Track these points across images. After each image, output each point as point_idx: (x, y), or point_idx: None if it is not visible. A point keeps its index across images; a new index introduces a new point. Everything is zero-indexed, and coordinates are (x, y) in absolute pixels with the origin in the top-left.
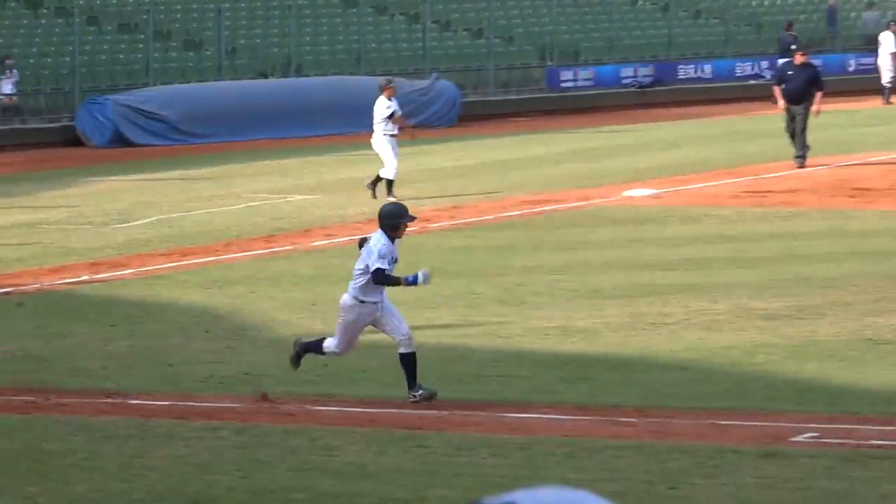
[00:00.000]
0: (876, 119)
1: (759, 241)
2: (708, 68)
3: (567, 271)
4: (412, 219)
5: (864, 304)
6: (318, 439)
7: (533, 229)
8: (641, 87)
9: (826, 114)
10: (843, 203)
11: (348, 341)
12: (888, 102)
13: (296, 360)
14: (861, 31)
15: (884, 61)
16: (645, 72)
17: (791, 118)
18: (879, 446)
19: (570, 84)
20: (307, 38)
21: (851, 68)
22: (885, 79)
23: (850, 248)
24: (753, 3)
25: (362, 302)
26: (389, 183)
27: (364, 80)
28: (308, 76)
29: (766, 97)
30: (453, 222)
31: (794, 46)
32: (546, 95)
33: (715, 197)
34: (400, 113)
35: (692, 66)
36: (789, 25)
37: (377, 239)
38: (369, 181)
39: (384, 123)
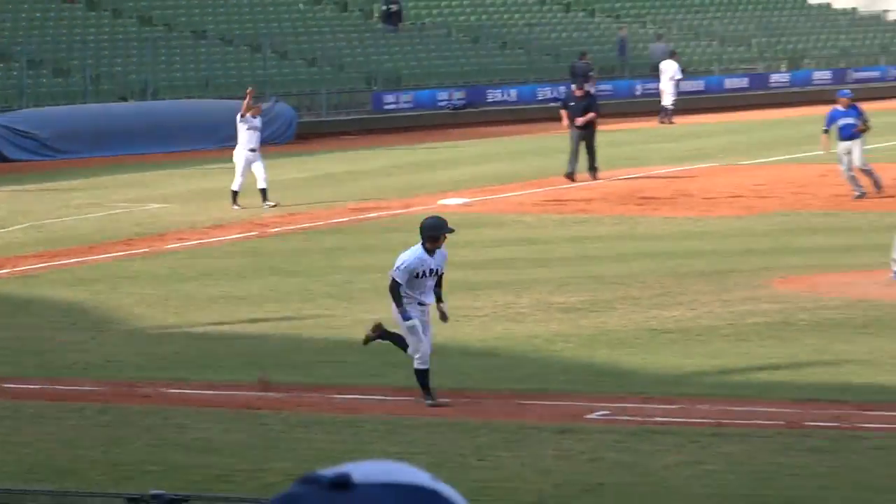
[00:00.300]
0: (659, 137)
1: (558, 243)
2: (513, 92)
3: (389, 270)
4: (451, 230)
5: (649, 299)
6: (171, 418)
7: (360, 234)
8: (455, 108)
9: (616, 132)
10: (631, 210)
11: (420, 342)
12: (670, 122)
13: (431, 402)
14: (648, 59)
15: (665, 86)
16: (458, 95)
17: (581, 138)
18: (662, 423)
19: (392, 106)
20: (162, 66)
21: (638, 92)
22: (666, 101)
23: (638, 250)
24: (553, 36)
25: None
26: (234, 194)
27: (212, 103)
28: (163, 99)
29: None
30: (290, 227)
31: (591, 73)
32: (372, 116)
33: (519, 205)
34: (258, 130)
35: (499, 90)
36: (583, 55)
37: (409, 250)
38: (262, 199)
39: (245, 137)
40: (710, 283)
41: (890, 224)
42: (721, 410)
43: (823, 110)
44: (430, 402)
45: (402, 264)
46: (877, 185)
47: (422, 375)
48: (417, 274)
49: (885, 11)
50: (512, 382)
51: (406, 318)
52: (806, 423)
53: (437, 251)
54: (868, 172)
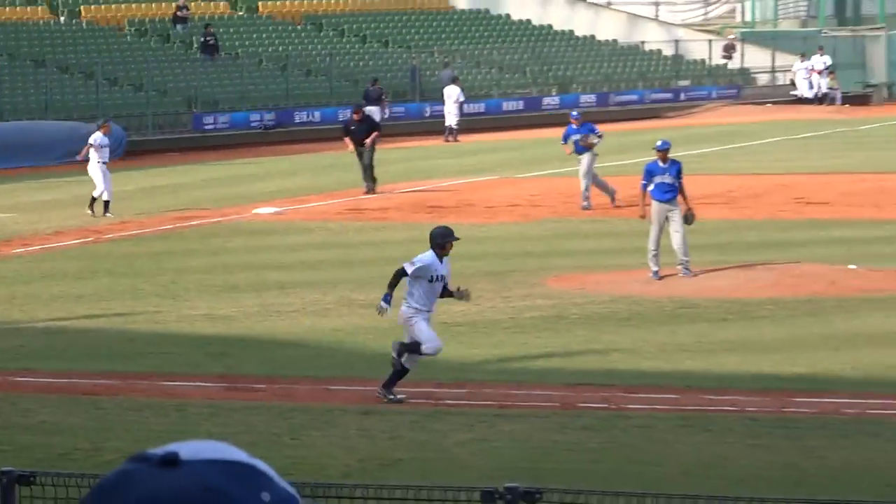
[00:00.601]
0: (445, 153)
1: (358, 247)
2: (317, 114)
3: (210, 272)
4: (457, 238)
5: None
6: (18, 403)
7: (183, 239)
8: (266, 128)
9: (408, 149)
10: (422, 217)
11: (430, 336)
12: (455, 140)
13: (398, 358)
14: (437, 84)
15: (450, 108)
16: (269, 117)
17: (360, 155)
18: (453, 405)
19: (210, 126)
20: (6, 91)
21: (427, 114)
22: (450, 121)
23: None
24: (351, 64)
25: (418, 310)
26: (94, 200)
27: (51, 124)
28: (7, 121)
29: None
30: (122, 234)
31: (383, 97)
32: (192, 135)
33: (324, 213)
34: (108, 147)
35: (305, 112)
36: (374, 81)
37: (423, 253)
38: (104, 210)
39: (97, 154)
40: (492, 282)
41: (648, 229)
42: (504, 394)
43: None
44: (390, 397)
45: (417, 260)
46: (603, 195)
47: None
48: (431, 278)
49: (642, 42)
50: (320, 370)
51: (385, 299)
52: (578, 405)
53: (445, 259)
54: (594, 186)
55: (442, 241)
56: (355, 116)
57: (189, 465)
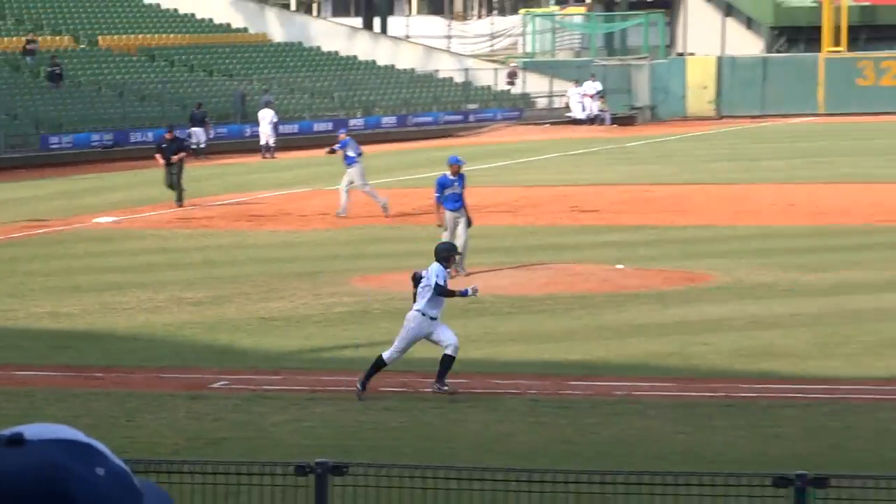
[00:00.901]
0: (264, 168)
1: (186, 252)
2: (150, 134)
3: (55, 274)
4: (459, 253)
5: (258, 294)
6: None
7: (31, 246)
8: (105, 147)
9: (230, 165)
10: (244, 225)
11: (402, 349)
12: (273, 157)
13: (361, 390)
14: (258, 108)
15: (265, 129)
16: (107, 137)
17: (170, 174)
18: (270, 390)
19: (56, 146)
20: None
21: (248, 134)
22: (265, 140)
23: (249, 256)
24: (181, 91)
25: (424, 315)
26: None
27: None
28: None
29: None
30: None
31: (206, 119)
32: (39, 154)
33: (157, 222)
34: None
35: (140, 133)
36: (199, 105)
37: (436, 267)
38: None
39: None
40: (304, 282)
41: (435, 234)
42: (315, 380)
43: (390, 147)
44: (444, 388)
45: (440, 275)
46: (383, 208)
47: (448, 361)
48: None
49: (437, 71)
50: (153, 360)
51: (465, 293)
52: (381, 389)
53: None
54: (343, 192)
55: (447, 254)
56: (167, 136)
57: (33, 444)
